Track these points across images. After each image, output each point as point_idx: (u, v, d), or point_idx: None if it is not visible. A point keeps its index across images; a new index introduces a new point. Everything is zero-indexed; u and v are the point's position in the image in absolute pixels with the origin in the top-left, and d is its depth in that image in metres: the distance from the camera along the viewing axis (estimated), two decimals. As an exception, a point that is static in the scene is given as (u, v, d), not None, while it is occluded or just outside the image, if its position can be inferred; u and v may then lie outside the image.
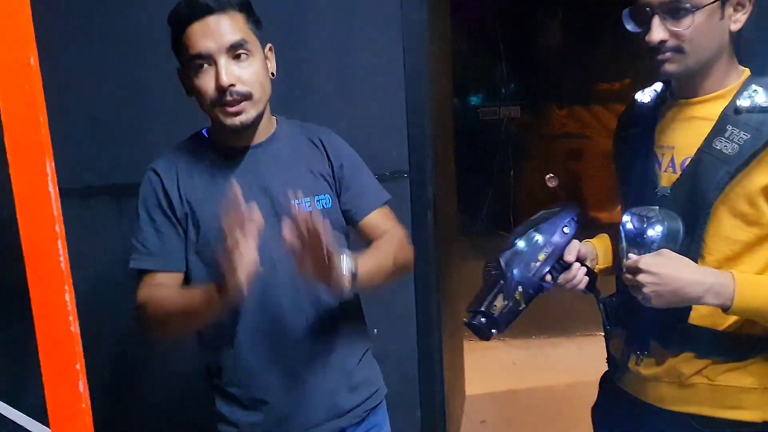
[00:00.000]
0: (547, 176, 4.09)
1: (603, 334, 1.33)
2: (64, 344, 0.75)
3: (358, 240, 1.37)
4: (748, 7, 1.10)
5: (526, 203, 4.16)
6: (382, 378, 1.46)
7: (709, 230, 1.10)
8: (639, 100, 1.28)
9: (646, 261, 1.08)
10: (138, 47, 1.98)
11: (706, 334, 1.13)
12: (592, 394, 1.41)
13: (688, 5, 1.06)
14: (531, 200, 4.16)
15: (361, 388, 1.36)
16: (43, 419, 0.81)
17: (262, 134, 1.29)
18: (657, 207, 1.14)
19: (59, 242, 0.69)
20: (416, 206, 2.02)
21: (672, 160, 1.17)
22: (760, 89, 1.10)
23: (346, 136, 1.95)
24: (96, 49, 1.97)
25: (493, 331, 1.15)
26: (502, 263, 1.17)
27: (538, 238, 1.19)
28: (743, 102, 1.10)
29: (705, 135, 1.12)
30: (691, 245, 1.11)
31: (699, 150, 1.12)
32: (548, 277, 1.20)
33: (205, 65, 1.19)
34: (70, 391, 0.75)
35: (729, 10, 1.09)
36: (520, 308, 1.17)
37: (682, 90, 1.18)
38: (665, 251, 1.08)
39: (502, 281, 1.16)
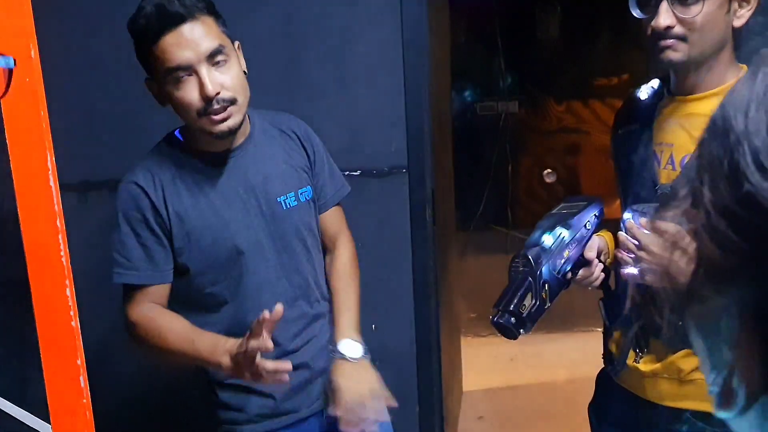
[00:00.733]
0: (545, 171, 4.09)
1: (601, 329, 1.33)
2: (65, 339, 0.75)
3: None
4: (753, 4, 1.09)
5: (524, 199, 4.16)
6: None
7: None
8: (636, 97, 1.28)
9: (648, 239, 1.07)
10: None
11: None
12: (590, 390, 1.41)
13: None
14: (529, 196, 4.16)
15: None
16: (44, 415, 0.81)
17: (240, 136, 1.29)
18: (657, 204, 1.14)
19: (60, 237, 0.69)
20: (415, 201, 2.01)
21: (671, 157, 1.17)
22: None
23: (345, 131, 1.96)
24: (95, 43, 1.96)
25: (521, 330, 1.12)
26: (532, 260, 1.13)
27: (564, 234, 1.16)
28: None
29: (702, 132, 1.11)
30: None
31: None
32: (570, 274, 1.18)
33: (184, 76, 1.16)
34: (71, 386, 0.75)
35: (734, 4, 1.08)
36: (546, 306, 1.14)
37: (680, 87, 1.18)
38: (678, 233, 1.08)
39: (530, 279, 1.13)
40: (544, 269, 1.14)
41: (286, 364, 1.14)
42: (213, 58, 1.16)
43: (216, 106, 1.16)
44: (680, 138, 1.16)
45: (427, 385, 2.11)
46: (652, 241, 1.07)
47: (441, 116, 2.56)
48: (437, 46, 2.40)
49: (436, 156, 2.21)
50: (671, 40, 1.09)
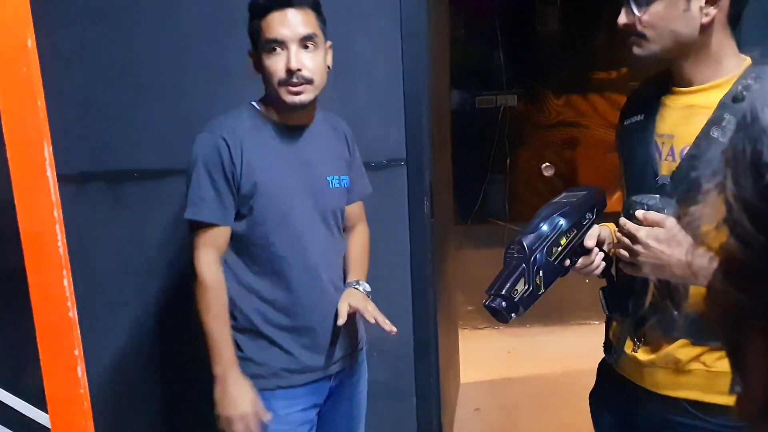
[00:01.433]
0: (543, 165, 4.09)
1: (598, 322, 1.34)
2: (63, 330, 0.75)
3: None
4: (723, 3, 1.10)
5: (523, 192, 4.16)
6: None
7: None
8: (640, 90, 1.28)
9: (644, 232, 1.08)
10: (136, 32, 1.96)
11: (703, 321, 1.14)
12: (587, 382, 1.42)
13: None
14: (527, 189, 4.16)
15: (359, 333, 1.65)
16: (42, 405, 0.81)
17: (309, 118, 1.52)
18: (658, 195, 1.14)
19: (57, 227, 0.69)
20: (413, 194, 2.01)
21: (672, 148, 1.18)
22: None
23: (344, 123, 1.95)
24: (93, 35, 1.96)
25: (512, 314, 1.14)
26: (526, 247, 1.15)
27: (562, 222, 1.17)
28: (741, 91, 1.10)
29: (703, 124, 1.12)
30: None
31: (697, 138, 1.12)
32: (568, 262, 1.19)
33: (278, 49, 1.39)
34: (69, 376, 0.76)
35: (695, 3, 1.09)
36: (540, 292, 1.16)
37: (679, 78, 1.19)
38: (669, 223, 1.08)
39: (524, 265, 1.14)
40: (538, 256, 1.15)
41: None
42: (304, 41, 1.40)
43: (294, 80, 1.39)
44: (680, 129, 1.17)
45: (425, 377, 2.11)
46: (647, 235, 1.09)
47: (440, 109, 2.56)
48: (436, 39, 2.39)
49: (435, 149, 2.20)
50: (633, 37, 1.16)
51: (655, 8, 1.11)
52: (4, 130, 0.70)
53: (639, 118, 1.25)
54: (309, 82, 1.41)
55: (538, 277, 1.15)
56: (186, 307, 2.12)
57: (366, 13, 1.92)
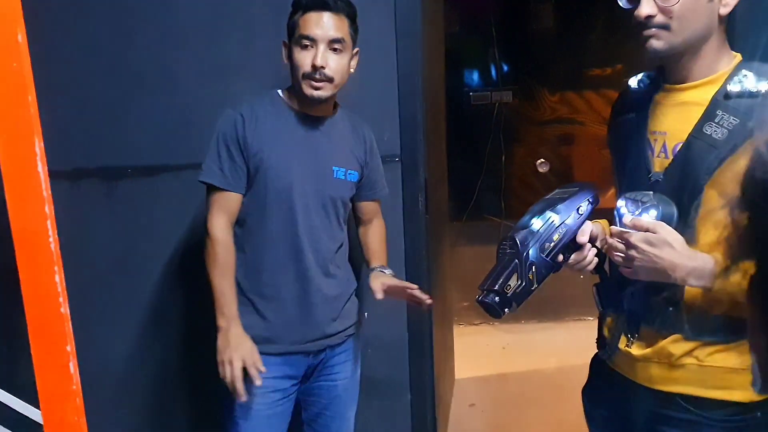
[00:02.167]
0: (538, 161, 4.09)
1: (592, 318, 1.34)
2: (55, 326, 0.75)
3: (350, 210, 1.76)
4: None
5: (518, 188, 4.16)
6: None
7: (700, 214, 1.11)
8: (632, 86, 1.28)
9: (637, 237, 1.09)
10: (130, 28, 1.96)
11: (697, 316, 1.14)
12: (581, 378, 1.42)
13: None
14: (522, 186, 4.16)
15: (345, 319, 1.71)
16: (34, 401, 0.81)
17: (326, 111, 1.65)
18: (651, 192, 1.15)
19: (49, 223, 0.69)
20: (408, 191, 2.02)
21: (664, 145, 1.18)
22: (750, 74, 1.10)
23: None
24: (86, 29, 1.95)
25: (505, 310, 1.15)
26: (518, 242, 1.16)
27: (554, 218, 1.18)
28: (733, 87, 1.10)
29: (696, 120, 1.12)
30: (684, 229, 1.12)
31: (690, 135, 1.13)
32: (560, 258, 1.19)
33: (309, 46, 1.53)
34: (61, 372, 0.75)
35: None
36: (533, 288, 1.16)
37: (673, 75, 1.19)
38: (660, 227, 1.09)
39: (517, 261, 1.15)
40: (531, 251, 1.15)
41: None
42: (333, 44, 1.53)
43: (317, 76, 1.53)
44: (673, 126, 1.17)
45: (420, 372, 2.12)
46: (639, 240, 1.09)
47: (434, 106, 2.56)
48: (431, 35, 2.39)
49: (430, 146, 2.20)
50: (653, 29, 1.11)
51: None
52: (-6, 126, 0.69)
53: (631, 115, 1.25)
54: (329, 80, 1.54)
55: (530, 272, 1.15)
56: (179, 303, 2.12)
57: (361, 10, 1.91)
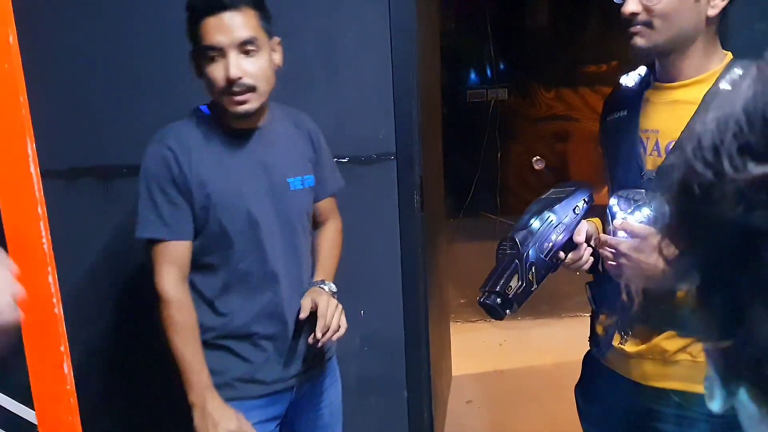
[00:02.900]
0: (534, 158, 4.10)
1: (588, 314, 1.34)
2: (48, 326, 0.75)
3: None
4: None
5: (513, 185, 4.17)
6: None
7: None
8: (623, 85, 1.29)
9: (624, 246, 1.10)
10: (126, 27, 1.95)
11: (690, 313, 1.15)
12: (578, 374, 1.43)
13: None
14: (518, 183, 4.17)
15: (323, 359, 1.56)
16: (28, 402, 0.81)
17: (260, 119, 1.43)
18: (643, 190, 1.15)
19: (41, 224, 0.69)
20: (403, 188, 2.01)
21: (656, 143, 1.18)
22: (741, 72, 1.10)
23: (333, 118, 1.95)
24: (80, 28, 1.94)
25: (507, 310, 1.15)
26: (518, 243, 1.16)
27: (552, 218, 1.18)
28: (724, 85, 1.10)
29: (687, 119, 1.13)
30: None
31: (681, 134, 1.13)
32: (558, 257, 1.19)
33: (217, 56, 1.30)
34: (55, 372, 0.75)
35: None
36: (533, 288, 1.17)
37: (664, 74, 1.19)
38: (648, 233, 1.09)
39: (517, 261, 1.15)
40: (530, 252, 1.15)
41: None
42: (244, 46, 1.30)
43: (236, 89, 1.30)
44: (665, 125, 1.17)
45: (416, 369, 2.12)
46: (627, 248, 1.10)
47: (430, 103, 2.56)
48: (426, 33, 2.39)
49: (425, 143, 2.20)
50: (638, 26, 1.12)
51: None
52: (-14, 127, 0.69)
53: (622, 113, 1.25)
54: (252, 89, 1.32)
55: (530, 273, 1.16)
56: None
57: (355, 8, 1.92)
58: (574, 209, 1.21)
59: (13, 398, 0.81)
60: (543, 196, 1.25)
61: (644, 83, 1.25)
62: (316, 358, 1.53)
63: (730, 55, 1.17)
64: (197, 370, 1.34)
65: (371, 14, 1.91)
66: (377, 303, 2.05)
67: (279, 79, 1.87)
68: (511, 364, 3.34)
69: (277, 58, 1.40)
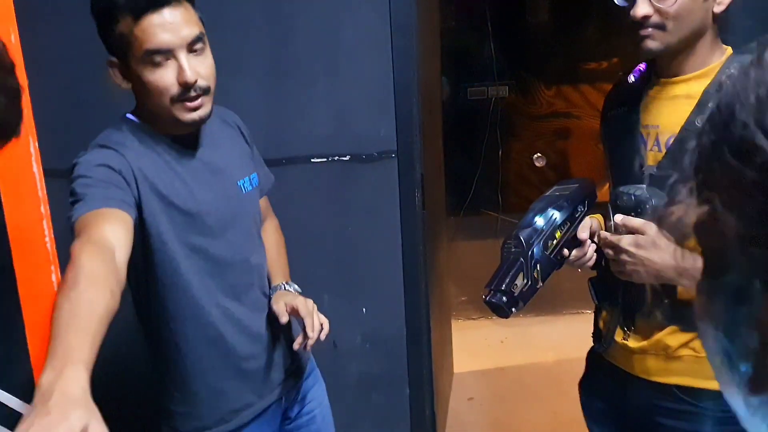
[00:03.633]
0: (535, 156, 4.09)
1: (590, 311, 1.35)
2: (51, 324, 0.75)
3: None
4: None
5: (515, 183, 4.16)
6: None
7: None
8: (624, 81, 1.29)
9: (625, 242, 1.10)
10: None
11: (692, 308, 1.15)
12: (580, 370, 1.43)
13: None
14: (519, 180, 4.16)
15: (301, 360, 1.47)
16: (31, 399, 0.81)
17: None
18: (644, 185, 1.15)
19: (45, 222, 0.69)
20: (404, 186, 2.02)
21: (657, 139, 1.18)
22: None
23: (333, 117, 1.95)
24: (83, 26, 1.94)
25: (513, 309, 1.14)
26: (523, 241, 1.16)
27: (556, 215, 1.18)
28: (724, 80, 1.11)
29: (688, 113, 1.13)
30: None
31: (682, 128, 1.13)
32: (563, 255, 1.19)
33: (162, 60, 1.14)
34: (59, 371, 0.76)
35: None
36: (538, 286, 1.16)
37: (665, 69, 1.19)
38: (649, 229, 1.10)
39: (522, 259, 1.15)
40: (535, 250, 1.15)
41: None
42: (192, 45, 1.16)
43: (192, 94, 1.16)
44: (665, 120, 1.17)
45: (417, 367, 2.12)
46: (627, 243, 1.10)
47: (430, 101, 2.56)
48: (426, 30, 2.39)
49: (426, 141, 2.20)
50: (649, 29, 1.11)
51: None
52: (-12, 127, 0.69)
53: (623, 109, 1.25)
54: (206, 92, 1.19)
55: (536, 270, 1.15)
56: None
57: (355, 5, 1.91)
58: (577, 206, 1.21)
59: (17, 396, 0.81)
60: (546, 194, 1.25)
61: (644, 79, 1.25)
62: (295, 363, 1.46)
63: (729, 50, 1.17)
64: (53, 351, 0.83)
65: (371, 12, 1.91)
66: (379, 301, 2.05)
67: (279, 78, 1.88)
68: (512, 361, 3.34)
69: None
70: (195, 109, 1.18)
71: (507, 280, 1.13)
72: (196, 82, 1.15)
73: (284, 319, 1.32)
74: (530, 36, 4.16)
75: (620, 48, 3.81)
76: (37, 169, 0.70)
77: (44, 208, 0.71)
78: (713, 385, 1.19)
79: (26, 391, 0.82)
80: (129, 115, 1.26)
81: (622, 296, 1.24)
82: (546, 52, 4.08)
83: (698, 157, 0.40)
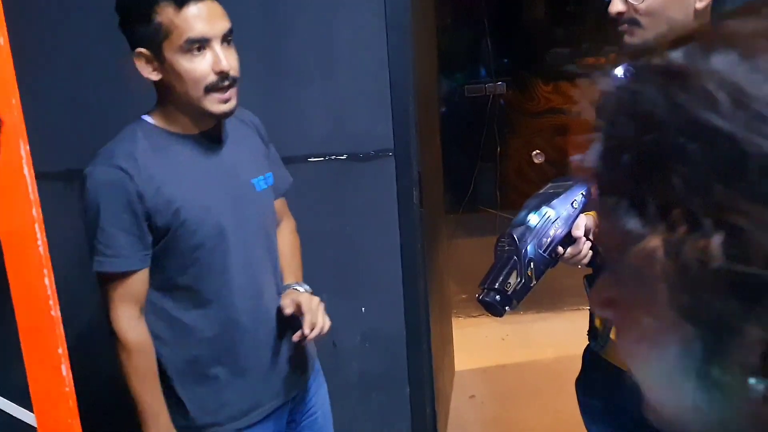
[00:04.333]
0: (533, 152, 4.09)
1: (589, 309, 1.34)
2: (45, 328, 0.75)
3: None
4: None
5: (514, 180, 4.17)
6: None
7: None
8: (618, 75, 1.28)
9: None
10: (116, 26, 1.94)
11: None
12: (579, 367, 1.43)
13: None
14: (518, 177, 4.17)
15: (312, 347, 1.50)
16: (28, 404, 0.81)
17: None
18: None
19: (36, 226, 0.68)
20: (401, 185, 2.01)
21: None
22: None
23: (330, 116, 1.95)
24: (76, 28, 1.94)
25: (506, 307, 1.14)
26: (516, 239, 1.15)
27: (550, 213, 1.18)
28: None
29: None
30: None
31: None
32: (557, 252, 1.19)
33: (200, 49, 1.19)
34: (53, 374, 0.75)
35: None
36: (532, 284, 1.16)
37: None
38: None
39: (515, 257, 1.15)
40: (529, 248, 1.15)
41: None
42: (226, 37, 1.21)
43: (225, 83, 1.20)
44: None
45: (418, 366, 2.12)
46: None
47: (427, 99, 2.56)
48: (422, 28, 2.38)
49: (423, 139, 2.20)
50: (625, 25, 1.14)
51: None
52: (-22, 130, 0.69)
53: None
54: (235, 83, 1.23)
55: (529, 269, 1.15)
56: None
57: (350, 4, 1.91)
58: (572, 203, 1.21)
59: (12, 401, 0.81)
60: (540, 191, 1.25)
61: None
62: (303, 365, 1.48)
63: None
64: (160, 411, 1.26)
65: (366, 11, 1.91)
66: (378, 300, 2.05)
67: (275, 78, 1.88)
68: (513, 358, 3.34)
69: None
70: (225, 101, 1.22)
71: (500, 279, 1.13)
72: (228, 71, 1.20)
73: (288, 311, 1.33)
74: (527, 32, 4.16)
75: (617, 43, 3.81)
76: (28, 172, 0.70)
77: (36, 212, 0.71)
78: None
79: (21, 395, 0.81)
80: (145, 117, 1.29)
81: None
82: (543, 48, 4.08)
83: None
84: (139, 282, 1.25)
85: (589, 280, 1.30)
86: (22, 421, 0.82)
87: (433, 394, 2.23)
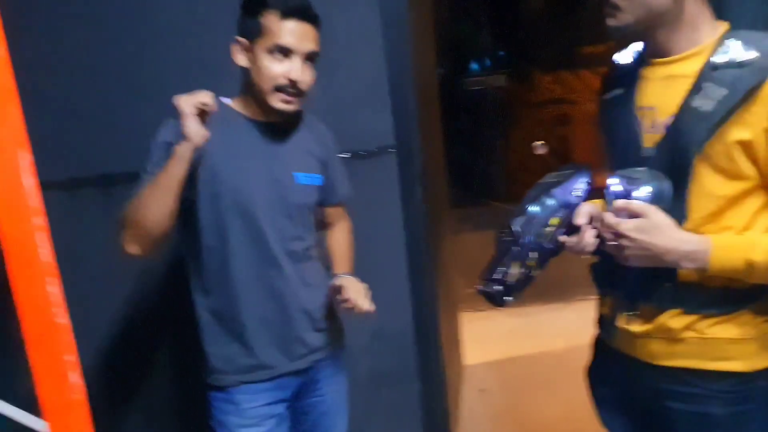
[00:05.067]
0: (536, 143, 4.08)
1: (597, 297, 1.34)
2: (51, 336, 0.75)
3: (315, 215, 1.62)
4: None
5: (517, 171, 4.16)
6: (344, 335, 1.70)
7: (692, 188, 1.11)
8: (619, 62, 1.28)
9: (625, 226, 1.09)
10: (122, 34, 1.95)
11: (694, 290, 1.14)
12: (589, 357, 1.42)
13: None
14: (521, 168, 4.16)
15: (329, 330, 1.60)
16: (36, 411, 0.81)
17: (286, 119, 1.51)
18: (644, 168, 1.14)
19: (38, 234, 0.68)
20: (404, 181, 2.01)
21: (654, 120, 1.17)
22: (736, 43, 1.09)
23: (329, 114, 1.94)
24: (79, 37, 1.95)
25: (507, 298, 1.14)
26: (516, 230, 1.15)
27: (551, 202, 1.17)
28: (719, 58, 1.09)
29: (684, 93, 1.11)
30: (676, 204, 1.11)
31: (679, 109, 1.12)
32: (559, 242, 1.18)
33: (283, 56, 1.40)
34: (61, 382, 0.75)
35: None
36: (533, 274, 1.16)
37: (654, 50, 1.18)
38: (649, 212, 1.09)
39: (516, 248, 1.14)
40: (529, 238, 1.15)
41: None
42: (309, 57, 1.43)
43: (291, 90, 1.41)
44: (661, 100, 1.16)
45: (427, 361, 2.12)
46: (628, 228, 1.09)
47: (427, 93, 2.55)
48: (419, 22, 2.38)
49: (425, 134, 2.20)
50: (607, 8, 1.14)
51: None
52: (-22, 140, 0.69)
53: (618, 91, 1.24)
54: (301, 94, 1.44)
55: (530, 259, 1.15)
56: (179, 309, 2.13)
57: (344, 1, 1.91)
58: (573, 192, 1.20)
59: (23, 409, 0.81)
60: (541, 181, 1.24)
61: (639, 60, 1.23)
62: (324, 343, 1.58)
63: (725, 26, 1.15)
64: (174, 159, 1.33)
65: (362, 7, 1.90)
66: (385, 297, 2.03)
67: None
68: (522, 350, 3.34)
69: None
70: (287, 102, 1.43)
71: (500, 269, 1.12)
72: (297, 82, 1.41)
73: (334, 287, 1.50)
74: (525, 23, 4.14)
75: (605, 29, 3.79)
76: (29, 181, 0.70)
77: (38, 220, 0.71)
78: (718, 365, 1.19)
79: (28, 402, 0.82)
80: (223, 99, 1.49)
81: (623, 281, 1.23)
82: (542, 39, 4.07)
83: None
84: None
85: (595, 269, 1.30)
86: (35, 430, 0.82)
87: (444, 389, 2.23)
